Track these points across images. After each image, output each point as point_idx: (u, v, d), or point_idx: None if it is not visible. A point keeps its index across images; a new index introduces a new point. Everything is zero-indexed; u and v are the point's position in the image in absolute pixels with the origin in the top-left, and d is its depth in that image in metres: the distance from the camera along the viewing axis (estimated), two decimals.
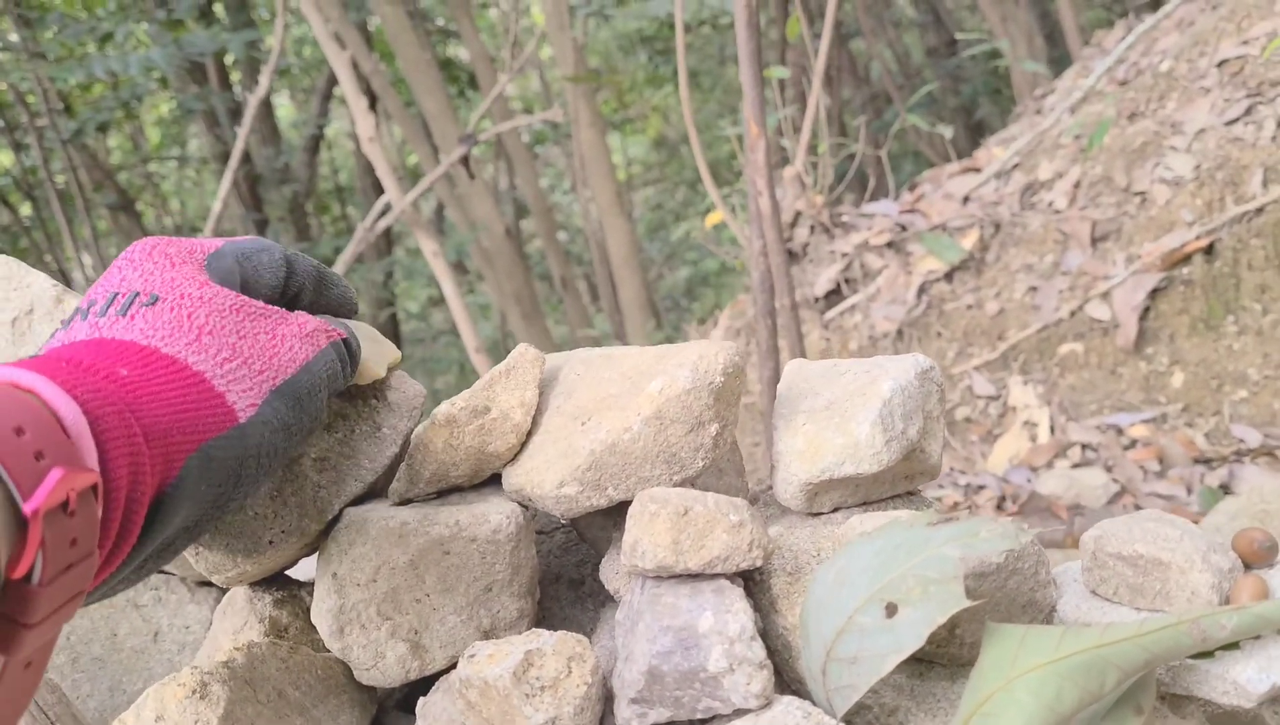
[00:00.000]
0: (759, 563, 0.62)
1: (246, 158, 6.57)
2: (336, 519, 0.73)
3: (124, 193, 6.81)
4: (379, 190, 8.03)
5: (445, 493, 0.76)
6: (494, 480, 0.77)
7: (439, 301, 8.75)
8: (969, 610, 0.56)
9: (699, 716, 0.60)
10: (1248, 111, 2.20)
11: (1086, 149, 2.11)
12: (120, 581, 0.53)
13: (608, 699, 0.65)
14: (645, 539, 0.61)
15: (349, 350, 0.65)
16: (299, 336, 0.60)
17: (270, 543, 0.72)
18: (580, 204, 8.81)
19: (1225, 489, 1.70)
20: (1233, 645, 0.54)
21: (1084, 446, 1.85)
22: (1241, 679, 0.54)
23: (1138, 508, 1.70)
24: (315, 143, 7.86)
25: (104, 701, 0.88)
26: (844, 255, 2.44)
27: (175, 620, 0.89)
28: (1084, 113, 2.58)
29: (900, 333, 2.25)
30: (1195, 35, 2.57)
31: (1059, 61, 5.89)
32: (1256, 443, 1.78)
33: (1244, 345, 1.93)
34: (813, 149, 2.44)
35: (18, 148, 5.68)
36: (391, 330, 7.63)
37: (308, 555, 0.78)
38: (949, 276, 2.30)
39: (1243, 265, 1.97)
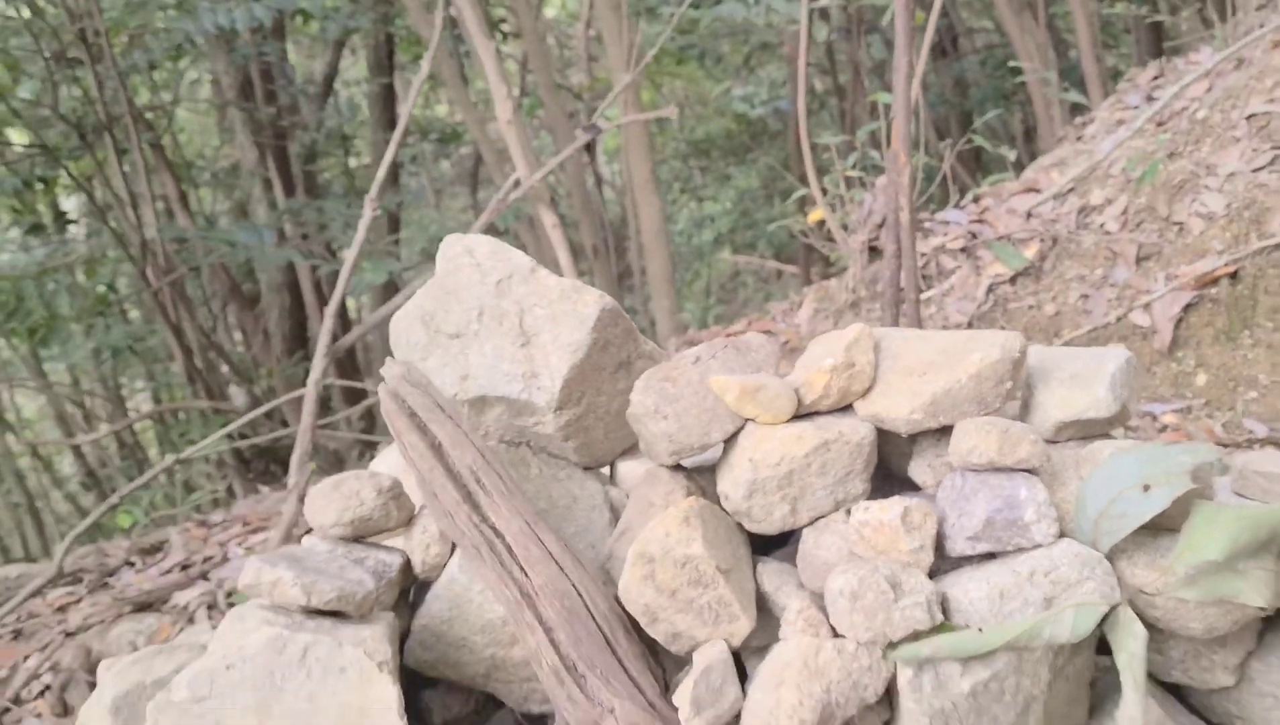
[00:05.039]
0: (1044, 464, 1.05)
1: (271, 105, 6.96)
2: None
3: (152, 129, 7.08)
4: (387, 144, 8.33)
5: (807, 416, 1.19)
6: (839, 410, 1.19)
7: None
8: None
9: (1008, 549, 1.03)
10: (1272, 161, 2.64)
11: (1137, 182, 2.54)
12: None
13: None
14: (981, 445, 1.04)
15: None
16: None
17: None
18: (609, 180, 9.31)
19: None
20: None
21: (1126, 428, 2.30)
22: None
23: None
24: (326, 93, 8.14)
25: None
26: (923, 255, 2.87)
27: (581, 491, 1.31)
28: (1128, 147, 3.02)
29: (970, 325, 2.69)
30: (1227, 90, 3.01)
31: (1066, 74, 6.32)
32: (1264, 434, 2.24)
33: (1257, 355, 2.38)
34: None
35: (75, 82, 5.98)
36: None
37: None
38: (1013, 280, 2.73)
39: (1260, 290, 2.43)
